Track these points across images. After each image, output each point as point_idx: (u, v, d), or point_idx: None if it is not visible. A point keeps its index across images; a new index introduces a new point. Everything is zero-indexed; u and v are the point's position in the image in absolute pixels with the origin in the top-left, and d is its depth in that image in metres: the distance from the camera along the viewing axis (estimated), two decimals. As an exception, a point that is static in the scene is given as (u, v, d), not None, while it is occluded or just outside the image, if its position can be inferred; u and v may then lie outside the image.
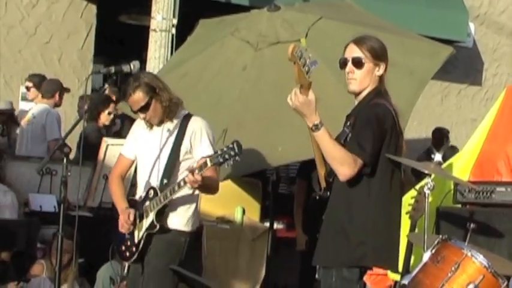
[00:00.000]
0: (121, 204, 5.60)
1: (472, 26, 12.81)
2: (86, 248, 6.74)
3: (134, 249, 5.52)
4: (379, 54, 4.76)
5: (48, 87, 9.24)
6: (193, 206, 5.63)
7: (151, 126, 5.65)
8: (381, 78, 4.78)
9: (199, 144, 5.57)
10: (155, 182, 5.53)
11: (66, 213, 5.13)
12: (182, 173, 5.48)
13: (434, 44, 7.89)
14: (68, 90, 9.41)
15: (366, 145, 4.58)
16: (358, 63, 4.73)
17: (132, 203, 5.58)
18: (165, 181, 5.47)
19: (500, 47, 13.22)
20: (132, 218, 5.49)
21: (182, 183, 5.32)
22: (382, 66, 4.77)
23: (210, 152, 5.45)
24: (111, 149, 8.26)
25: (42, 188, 8.05)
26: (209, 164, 5.17)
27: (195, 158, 5.51)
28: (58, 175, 7.34)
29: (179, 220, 5.55)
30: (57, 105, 9.23)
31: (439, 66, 7.42)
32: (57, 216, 5.07)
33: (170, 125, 5.63)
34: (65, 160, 4.94)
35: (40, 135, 9.03)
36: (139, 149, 5.70)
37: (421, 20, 11.59)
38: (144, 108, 5.52)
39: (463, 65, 12.67)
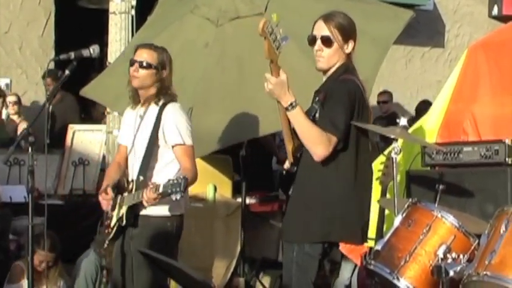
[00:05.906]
0: (105, 183, 5.52)
1: (430, -12, 12.85)
2: (59, 236, 6.72)
3: (110, 230, 5.49)
4: (349, 32, 4.71)
5: None
6: None
7: (135, 103, 5.46)
8: (349, 55, 4.75)
9: (167, 132, 5.36)
10: (136, 173, 5.37)
11: (37, 202, 5.07)
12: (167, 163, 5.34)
13: (394, 8, 7.89)
14: None
15: (339, 122, 4.55)
16: (327, 42, 4.68)
17: (122, 186, 5.45)
18: (141, 178, 5.30)
19: (460, 7, 13.26)
20: (109, 193, 5.37)
21: (141, 197, 5.15)
22: (351, 44, 4.73)
23: (177, 139, 5.33)
24: (78, 135, 8.24)
25: (11, 179, 8.01)
26: (161, 189, 4.97)
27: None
28: (26, 165, 7.26)
29: (162, 206, 5.33)
30: None
31: (400, 31, 7.43)
32: (28, 207, 5.02)
33: (154, 110, 5.41)
34: (30, 149, 4.88)
35: None
36: (129, 135, 5.54)
37: (381, -15, 11.58)
38: (148, 67, 5.36)
39: (425, 28, 12.70)
